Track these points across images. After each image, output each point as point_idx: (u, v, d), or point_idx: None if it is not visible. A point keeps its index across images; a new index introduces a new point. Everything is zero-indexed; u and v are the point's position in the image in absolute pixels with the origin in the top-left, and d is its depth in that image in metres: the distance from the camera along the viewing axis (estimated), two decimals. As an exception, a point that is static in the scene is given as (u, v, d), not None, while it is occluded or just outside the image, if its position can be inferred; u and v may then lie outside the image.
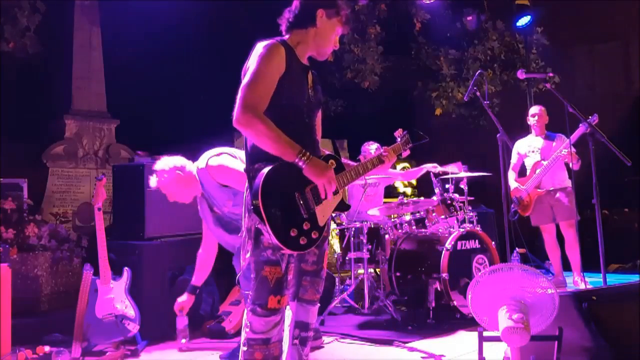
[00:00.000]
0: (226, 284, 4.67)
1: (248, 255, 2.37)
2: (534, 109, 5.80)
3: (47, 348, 3.68)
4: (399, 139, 2.82)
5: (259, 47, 2.42)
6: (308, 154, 2.32)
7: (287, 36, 2.56)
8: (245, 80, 2.36)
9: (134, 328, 3.90)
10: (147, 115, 7.15)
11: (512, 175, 5.82)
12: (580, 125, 4.87)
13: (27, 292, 4.62)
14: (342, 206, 2.54)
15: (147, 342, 4.06)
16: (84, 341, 3.76)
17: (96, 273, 3.88)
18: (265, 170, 2.27)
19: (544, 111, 5.72)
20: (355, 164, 2.65)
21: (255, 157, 2.38)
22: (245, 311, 2.39)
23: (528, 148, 5.75)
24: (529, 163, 5.72)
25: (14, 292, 3.65)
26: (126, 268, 4.01)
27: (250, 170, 2.39)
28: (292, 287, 2.53)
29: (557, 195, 5.47)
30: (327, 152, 2.55)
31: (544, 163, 5.48)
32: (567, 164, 5.46)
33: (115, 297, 3.88)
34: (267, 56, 2.38)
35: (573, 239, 5.47)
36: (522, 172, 5.87)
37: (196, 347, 4.04)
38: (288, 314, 2.54)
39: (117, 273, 3.96)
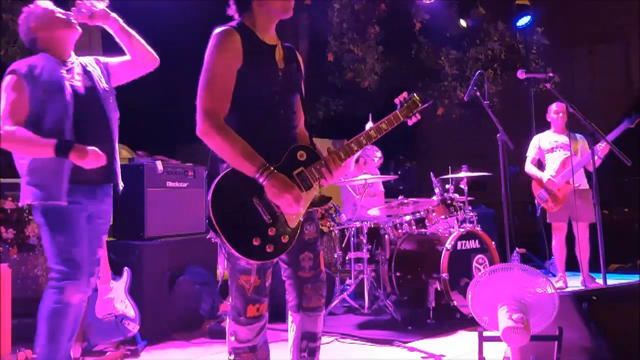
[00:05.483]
0: (226, 283, 4.65)
1: (225, 263, 2.27)
2: (558, 106, 5.71)
3: (47, 348, 3.68)
4: (399, 106, 2.39)
5: (212, 37, 2.19)
6: (270, 170, 2.08)
7: (240, 19, 2.28)
8: (201, 80, 2.17)
9: (134, 328, 3.89)
10: (147, 115, 7.15)
11: (534, 168, 5.80)
12: (625, 121, 4.99)
13: (27, 292, 4.61)
14: (321, 201, 2.30)
15: (147, 342, 4.06)
16: (83, 341, 3.75)
17: (96, 273, 3.87)
18: (217, 178, 2.11)
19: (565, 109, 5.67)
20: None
21: (217, 157, 2.19)
22: (228, 320, 2.26)
23: (554, 144, 5.72)
24: (554, 158, 5.65)
25: (14, 292, 3.64)
26: (126, 268, 4.00)
27: (210, 173, 2.23)
28: (293, 299, 2.38)
29: (582, 195, 5.35)
30: (300, 144, 2.28)
31: (578, 157, 5.41)
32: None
33: (115, 297, 3.87)
34: (219, 47, 2.16)
35: (587, 240, 5.56)
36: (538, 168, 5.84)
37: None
38: (290, 323, 2.41)
39: (117, 273, 3.95)
